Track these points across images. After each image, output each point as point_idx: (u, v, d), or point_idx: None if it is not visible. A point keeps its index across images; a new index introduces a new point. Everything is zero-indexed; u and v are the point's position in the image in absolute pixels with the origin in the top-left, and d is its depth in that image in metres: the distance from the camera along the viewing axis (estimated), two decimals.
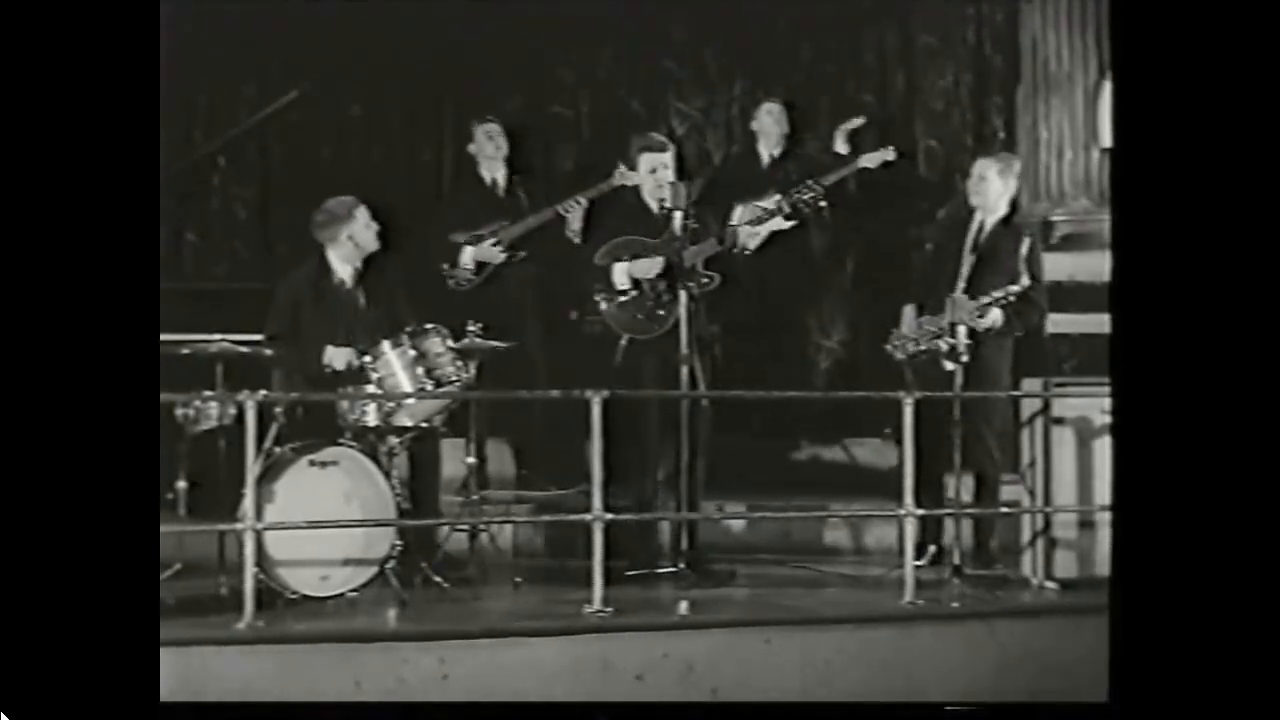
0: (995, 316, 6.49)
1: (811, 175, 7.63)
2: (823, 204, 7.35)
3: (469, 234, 7.67)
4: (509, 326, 6.88)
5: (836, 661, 5.47)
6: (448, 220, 7.78)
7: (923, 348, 6.55)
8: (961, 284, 6.53)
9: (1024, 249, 6.46)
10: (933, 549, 6.54)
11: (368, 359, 6.13)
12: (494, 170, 7.88)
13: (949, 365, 6.38)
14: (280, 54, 8.46)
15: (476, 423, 6.73)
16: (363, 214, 6.47)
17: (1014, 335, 6.66)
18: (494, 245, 7.66)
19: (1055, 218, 7.95)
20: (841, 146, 7.95)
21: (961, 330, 6.35)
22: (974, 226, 6.70)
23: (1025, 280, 6.44)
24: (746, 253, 6.81)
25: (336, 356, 6.26)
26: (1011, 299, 6.46)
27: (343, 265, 6.47)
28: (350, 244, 6.45)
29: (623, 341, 6.61)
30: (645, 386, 6.54)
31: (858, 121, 7.94)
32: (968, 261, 6.60)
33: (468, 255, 7.66)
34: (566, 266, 7.10)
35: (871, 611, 5.79)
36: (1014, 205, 6.82)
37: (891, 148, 7.86)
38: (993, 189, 6.69)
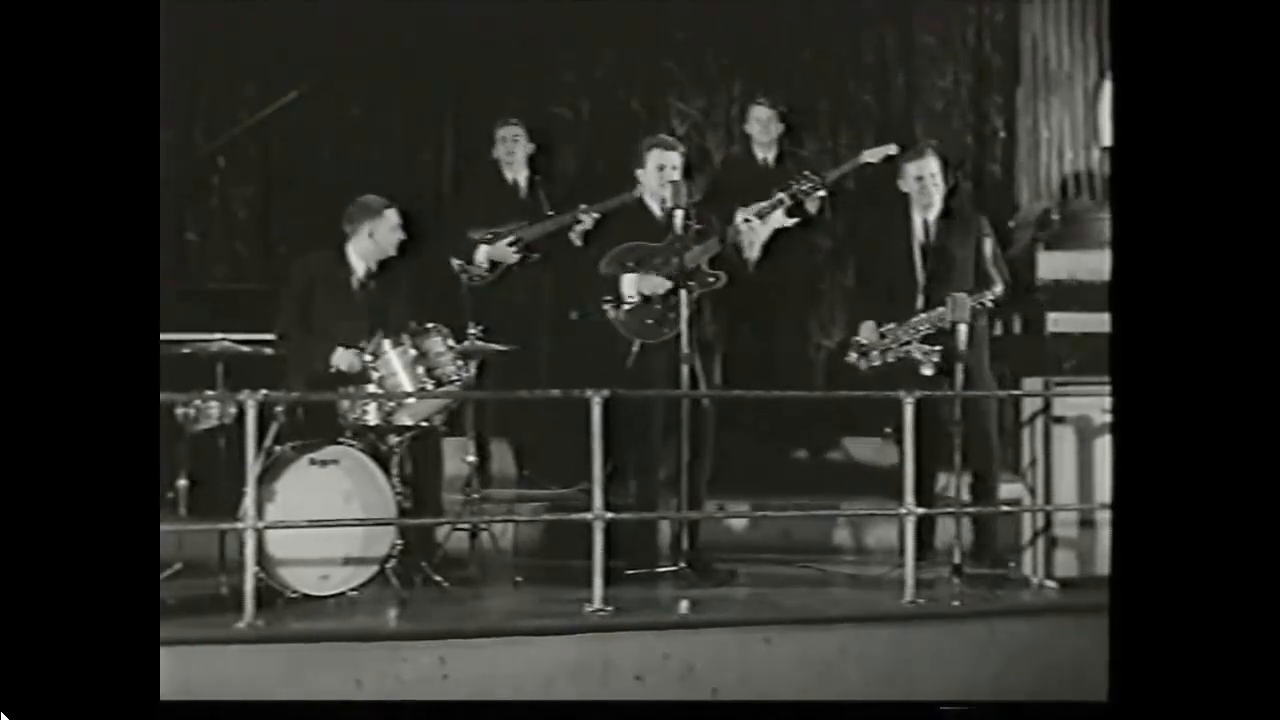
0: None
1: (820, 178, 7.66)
2: (822, 193, 7.33)
3: (486, 232, 7.68)
4: (517, 326, 6.88)
5: (836, 661, 5.47)
6: (466, 216, 7.78)
7: (890, 359, 6.52)
8: (920, 285, 6.54)
9: (987, 250, 6.48)
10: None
11: (369, 359, 6.14)
12: (516, 171, 7.88)
13: (926, 371, 6.38)
14: (280, 54, 8.46)
15: (478, 422, 6.73)
16: (392, 216, 6.51)
17: (991, 331, 6.74)
18: (510, 245, 7.66)
19: (1055, 216, 7.96)
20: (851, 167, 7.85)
21: (962, 330, 6.34)
22: (916, 228, 6.68)
23: (999, 288, 6.47)
24: (751, 258, 6.80)
25: (343, 359, 6.27)
26: (988, 305, 6.50)
27: (359, 260, 6.50)
28: (370, 241, 6.48)
29: (635, 347, 6.61)
30: (655, 387, 6.54)
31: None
32: (919, 263, 6.62)
33: (483, 253, 7.67)
34: (573, 268, 7.10)
35: (872, 611, 5.79)
36: (950, 196, 6.83)
37: (893, 144, 7.85)
38: (941, 186, 6.67)
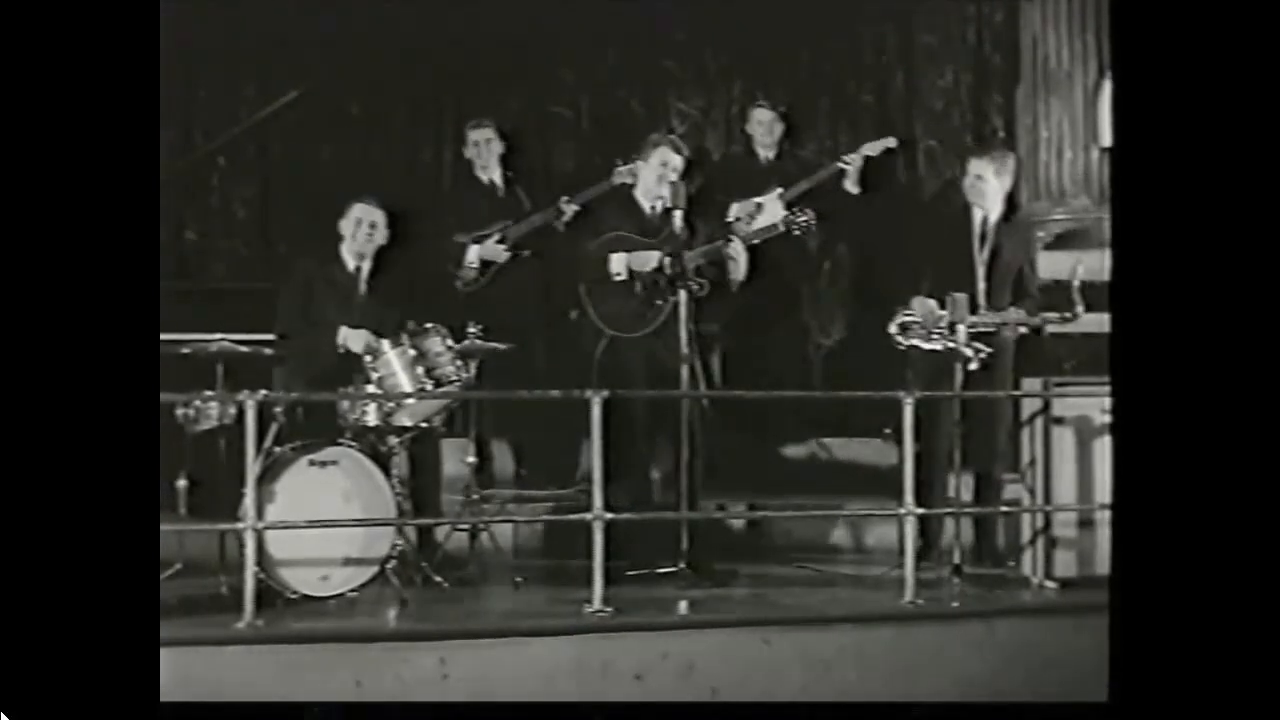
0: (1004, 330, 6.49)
1: (810, 175, 7.65)
2: (814, 226, 7.27)
3: (472, 234, 7.69)
4: (511, 325, 6.89)
5: (836, 661, 5.47)
6: (450, 222, 7.79)
7: (932, 341, 6.43)
8: (981, 284, 6.51)
9: (1076, 280, 6.33)
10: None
11: (368, 358, 6.14)
12: (490, 171, 7.90)
13: (973, 366, 6.32)
14: (280, 54, 8.46)
15: (477, 423, 6.74)
16: (358, 210, 6.53)
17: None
18: (498, 243, 7.68)
19: (1054, 216, 7.97)
20: (855, 160, 7.83)
21: (961, 329, 6.34)
22: (976, 224, 6.67)
23: (1080, 309, 6.35)
24: (736, 279, 6.84)
25: (352, 338, 6.30)
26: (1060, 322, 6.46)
27: (349, 258, 6.56)
28: (347, 238, 6.52)
29: (604, 340, 6.64)
30: (632, 386, 6.55)
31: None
32: (980, 260, 6.59)
33: (473, 254, 7.68)
34: (566, 264, 7.11)
35: (871, 611, 5.79)
36: (1011, 201, 6.81)
37: (893, 138, 7.86)
38: (989, 188, 6.66)
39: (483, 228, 7.71)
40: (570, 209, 7.53)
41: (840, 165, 7.74)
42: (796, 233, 7.18)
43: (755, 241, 7.04)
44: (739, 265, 6.79)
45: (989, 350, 6.34)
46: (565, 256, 7.24)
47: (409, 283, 6.76)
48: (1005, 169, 6.73)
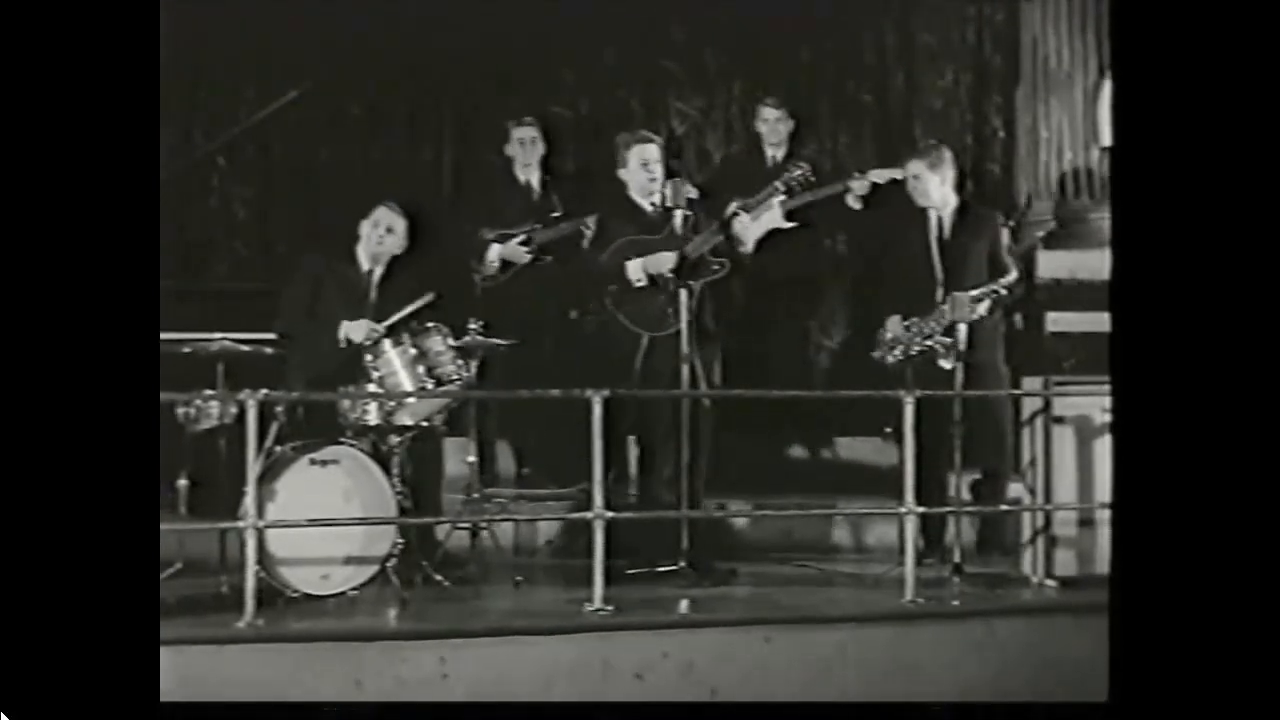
0: (981, 309, 6.50)
1: (813, 188, 7.65)
2: (813, 179, 7.31)
3: (498, 232, 7.69)
4: (522, 325, 6.89)
5: (836, 661, 5.47)
6: (475, 215, 7.79)
7: (913, 352, 6.54)
8: (939, 279, 6.56)
9: (1005, 240, 6.49)
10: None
11: (369, 357, 6.14)
12: (529, 172, 7.89)
13: (945, 364, 6.38)
14: (280, 54, 8.47)
15: (478, 422, 6.74)
16: (379, 214, 6.62)
17: (1003, 327, 6.76)
18: (521, 245, 7.67)
19: (1054, 216, 7.97)
20: (862, 186, 7.79)
21: (963, 329, 6.35)
22: (932, 224, 6.72)
23: (1013, 274, 6.47)
24: (745, 251, 6.81)
25: (354, 330, 6.32)
26: (1001, 293, 6.48)
27: (364, 259, 6.63)
28: (364, 240, 6.60)
29: (644, 341, 6.61)
30: (662, 385, 6.54)
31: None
32: (936, 258, 6.64)
33: (494, 253, 7.68)
34: (580, 268, 7.11)
35: (872, 611, 5.79)
36: (962, 192, 6.87)
37: (900, 171, 7.82)
38: (931, 185, 6.70)
39: (510, 227, 7.70)
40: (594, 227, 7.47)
41: (845, 187, 7.70)
42: (797, 188, 7.20)
43: (758, 209, 7.03)
44: (746, 240, 6.79)
45: (950, 341, 6.37)
46: (581, 263, 7.22)
47: (414, 283, 6.75)
48: (940, 163, 6.76)
